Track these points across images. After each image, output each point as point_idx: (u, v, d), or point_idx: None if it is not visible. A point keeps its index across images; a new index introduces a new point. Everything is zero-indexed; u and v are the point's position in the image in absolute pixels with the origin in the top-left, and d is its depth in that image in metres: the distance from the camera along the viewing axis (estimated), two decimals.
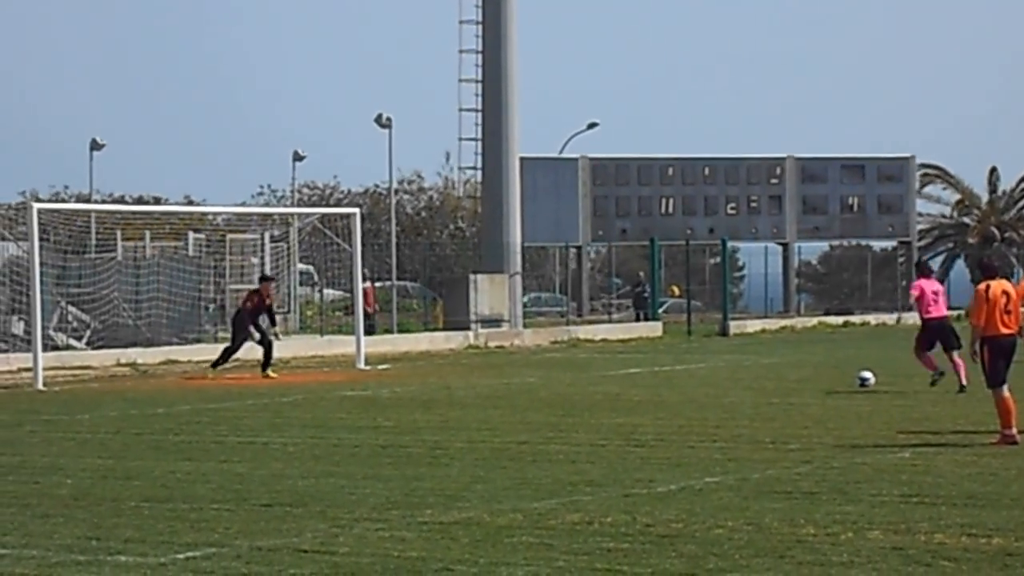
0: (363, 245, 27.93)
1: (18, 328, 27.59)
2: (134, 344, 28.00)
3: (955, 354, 18.30)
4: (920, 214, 49.65)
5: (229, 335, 24.26)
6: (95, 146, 46.70)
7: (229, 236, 35.91)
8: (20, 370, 24.04)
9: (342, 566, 8.32)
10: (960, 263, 54.38)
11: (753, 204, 43.38)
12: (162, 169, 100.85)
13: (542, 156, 42.38)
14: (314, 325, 36.02)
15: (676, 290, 43.81)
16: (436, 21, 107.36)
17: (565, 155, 46.59)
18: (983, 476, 11.32)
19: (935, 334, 18.75)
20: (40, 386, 21.92)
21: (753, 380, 21.20)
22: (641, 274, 42.11)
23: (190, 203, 57.90)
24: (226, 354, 23.52)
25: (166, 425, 16.17)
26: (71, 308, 29.31)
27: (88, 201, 48.33)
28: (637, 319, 39.78)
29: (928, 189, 54.63)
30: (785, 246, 44.35)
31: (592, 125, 52.66)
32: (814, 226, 44.20)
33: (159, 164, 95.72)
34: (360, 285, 27.53)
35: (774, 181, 43.61)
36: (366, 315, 34.13)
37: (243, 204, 55.79)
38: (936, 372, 18.52)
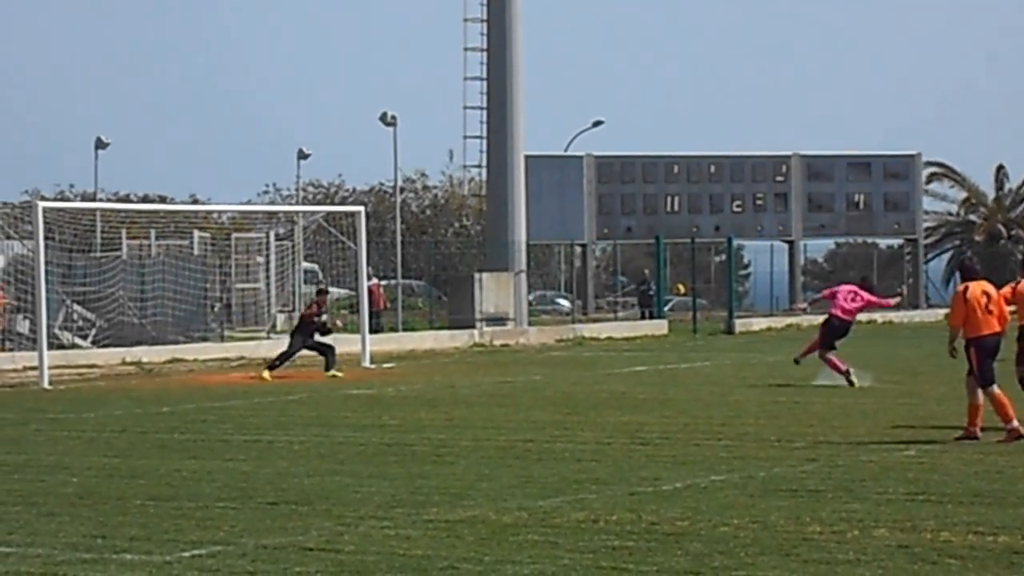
0: (368, 243, 27.92)
1: (24, 327, 27.62)
2: (139, 343, 28.02)
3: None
4: (926, 212, 49.56)
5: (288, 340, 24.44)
6: (100, 145, 46.72)
7: (234, 235, 35.95)
8: (26, 369, 24.06)
9: (347, 564, 8.32)
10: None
11: (759, 202, 43.32)
12: (167, 168, 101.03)
13: (547, 154, 42.35)
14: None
15: (681, 288, 43.75)
16: (441, 19, 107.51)
17: (570, 153, 46.55)
18: (989, 474, 11.31)
19: (837, 332, 19.87)
20: (46, 385, 21.94)
21: (758, 378, 21.17)
22: (646, 272, 42.07)
23: (195, 202, 57.95)
24: (282, 358, 23.60)
25: (171, 424, 16.18)
26: (76, 307, 29.35)
27: (93, 200, 48.38)
28: (642, 317, 39.74)
29: (934, 187, 54.55)
30: (791, 244, 44.29)
31: (597, 123, 52.65)
32: (820, 224, 44.13)
33: (164, 163, 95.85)
34: (365, 284, 27.52)
35: (780, 179, 43.54)
36: (374, 313, 34.22)
37: (248, 203, 55.86)
38: (845, 372, 19.37)
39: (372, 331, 25.80)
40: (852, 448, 12.90)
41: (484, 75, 35.39)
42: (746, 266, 54.55)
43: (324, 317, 24.09)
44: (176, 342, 28.70)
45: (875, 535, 8.88)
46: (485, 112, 35.41)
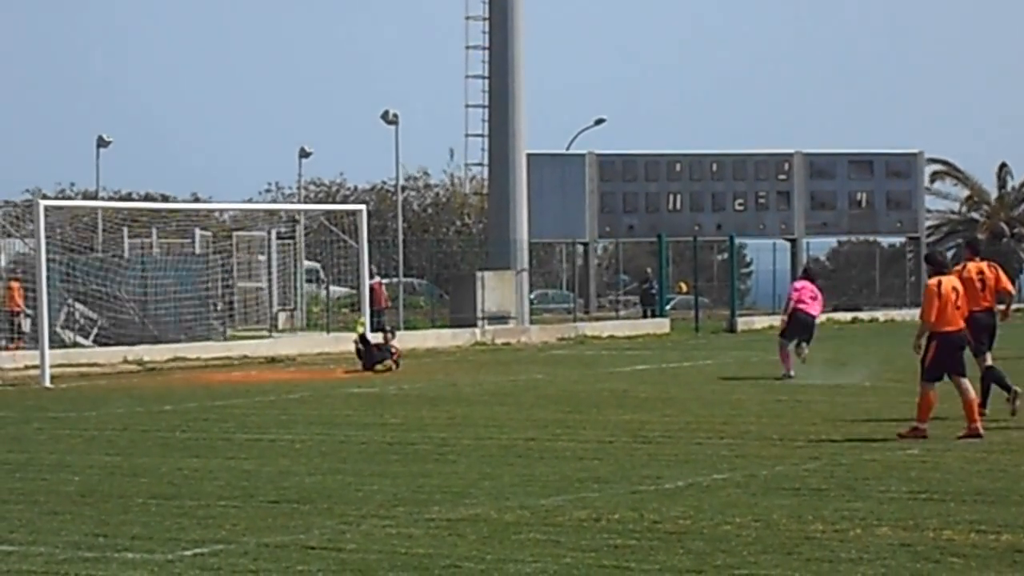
0: (369, 242, 27.93)
1: (25, 325, 27.63)
2: (141, 341, 28.03)
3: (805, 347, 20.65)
4: (929, 210, 49.54)
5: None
6: (102, 143, 46.76)
7: (236, 233, 35.96)
8: (27, 367, 24.07)
9: (349, 563, 8.31)
10: None
11: (761, 200, 43.31)
12: (169, 166, 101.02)
13: (549, 152, 42.34)
14: (320, 322, 36.04)
15: (684, 286, 43.75)
16: (442, 17, 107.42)
17: (572, 151, 46.55)
18: (992, 472, 11.29)
19: (800, 328, 20.82)
20: (47, 383, 21.95)
21: (761, 377, 21.16)
22: (648, 270, 42.06)
23: (197, 200, 57.93)
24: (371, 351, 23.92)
25: (173, 422, 16.17)
26: (78, 305, 29.35)
27: (95, 198, 48.41)
28: (644, 316, 39.74)
29: (937, 185, 54.51)
30: (793, 242, 44.27)
31: (599, 121, 52.63)
32: (822, 222, 44.12)
33: (166, 161, 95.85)
34: (367, 282, 27.52)
35: (782, 177, 43.53)
36: (376, 312, 34.23)
37: (250, 201, 55.88)
38: (788, 373, 20.35)
39: (374, 329, 25.77)
40: (854, 447, 12.88)
41: (486, 73, 35.38)
42: (748, 264, 54.53)
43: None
44: (178, 341, 28.71)
45: (878, 534, 8.87)
46: (487, 110, 35.40)
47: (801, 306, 20.89)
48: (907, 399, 17.19)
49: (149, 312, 29.61)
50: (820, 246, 50.24)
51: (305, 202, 52.55)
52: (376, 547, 8.73)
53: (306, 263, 37.24)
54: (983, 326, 14.53)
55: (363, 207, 28.95)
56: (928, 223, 48.94)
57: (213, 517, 9.82)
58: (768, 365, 23.50)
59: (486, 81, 35.39)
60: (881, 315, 41.66)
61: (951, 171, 55.43)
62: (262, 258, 34.91)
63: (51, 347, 23.26)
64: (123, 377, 23.68)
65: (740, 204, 43.07)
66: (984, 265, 14.54)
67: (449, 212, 58.80)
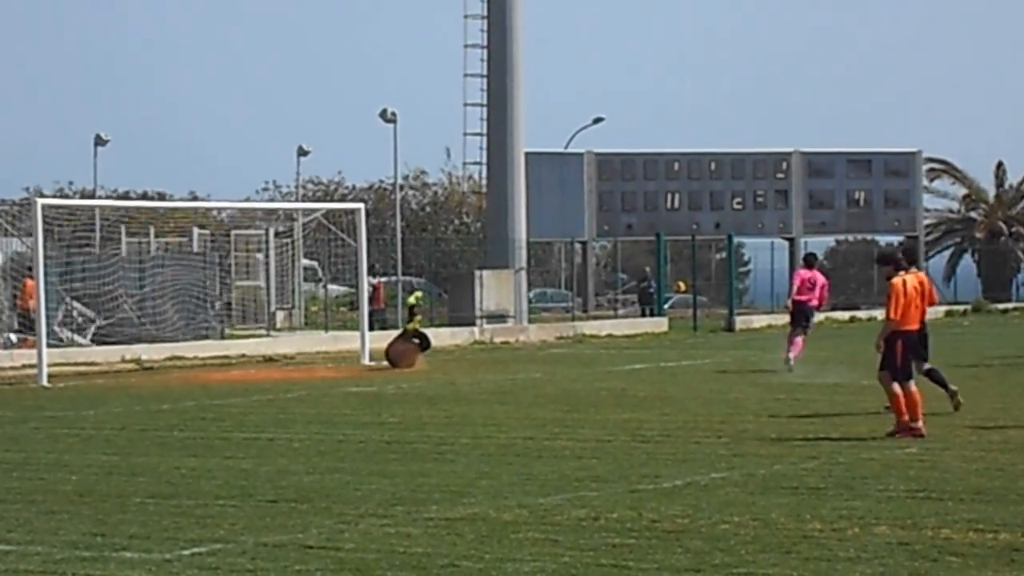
0: (368, 241, 27.90)
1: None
2: (139, 340, 28.01)
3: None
4: (927, 209, 49.54)
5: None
6: (99, 142, 46.72)
7: (234, 232, 35.94)
8: (24, 366, 24.04)
9: (347, 562, 8.30)
10: (967, 258, 54.24)
11: (759, 199, 43.30)
12: (167, 165, 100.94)
13: (547, 151, 42.32)
14: (318, 321, 36.03)
15: (682, 285, 43.73)
16: (441, 16, 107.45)
17: (570, 150, 46.54)
18: (990, 472, 11.29)
19: (797, 316, 21.74)
20: (45, 382, 21.92)
21: (759, 375, 21.15)
22: (647, 269, 42.05)
23: (195, 199, 57.90)
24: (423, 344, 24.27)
25: (171, 421, 16.16)
26: (76, 304, 29.33)
27: (93, 197, 48.37)
28: (643, 314, 39.73)
29: (935, 184, 54.50)
30: (791, 241, 44.25)
31: (597, 120, 52.61)
32: (820, 221, 44.11)
33: (164, 160, 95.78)
34: (365, 281, 27.51)
35: (780, 176, 43.52)
36: (377, 311, 34.27)
37: (247, 200, 55.84)
38: (787, 359, 21.12)
39: (374, 329, 25.81)
40: (853, 445, 12.88)
41: (484, 72, 35.37)
42: (746, 263, 54.50)
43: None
44: (175, 339, 28.69)
45: (876, 532, 8.87)
46: (485, 109, 35.39)
47: (797, 296, 21.74)
48: None
49: (147, 311, 29.59)
50: (818, 245, 50.10)
51: (303, 201, 52.53)
52: (374, 546, 8.72)
53: (304, 262, 37.23)
54: (921, 335, 14.54)
55: (361, 206, 28.93)
56: (926, 222, 48.93)
57: (211, 516, 9.81)
58: (766, 364, 23.48)
59: (485, 80, 35.38)
60: (879, 314, 41.62)
61: (949, 170, 55.41)
62: (260, 257, 34.89)
63: (48, 346, 23.24)
64: (121, 376, 23.66)
65: (738, 203, 43.06)
66: (922, 276, 14.65)
67: (448, 211, 58.80)
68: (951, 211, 55.92)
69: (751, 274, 53.46)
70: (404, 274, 39.08)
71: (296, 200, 52.27)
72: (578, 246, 44.10)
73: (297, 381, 21.81)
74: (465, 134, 36.27)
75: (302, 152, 50.43)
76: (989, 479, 10.92)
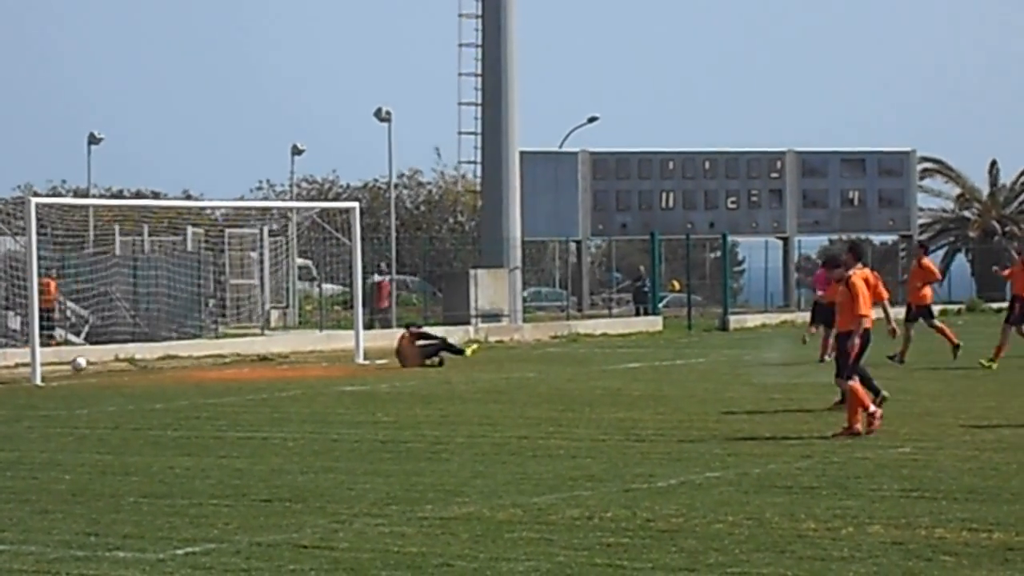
0: (362, 239, 27.89)
1: (15, 323, 27.56)
2: (132, 339, 27.98)
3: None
4: (921, 208, 49.61)
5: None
6: (93, 140, 46.66)
7: (228, 231, 35.91)
8: (18, 365, 24.01)
9: (342, 562, 8.29)
10: (961, 257, 54.32)
11: (753, 198, 43.33)
12: (160, 163, 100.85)
13: (542, 150, 42.31)
14: (313, 320, 36.01)
15: (676, 284, 43.75)
16: (435, 15, 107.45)
17: (565, 149, 46.54)
18: (984, 471, 11.30)
19: (817, 313, 22.20)
20: (38, 381, 21.90)
21: (752, 375, 21.17)
22: (641, 268, 42.06)
23: (188, 198, 57.91)
24: (449, 350, 24.57)
25: (164, 420, 16.14)
26: (69, 303, 29.30)
27: (86, 196, 48.31)
28: (637, 314, 39.74)
29: (928, 183, 54.56)
30: (785, 240, 44.30)
31: (592, 119, 52.63)
32: (814, 220, 44.14)
33: (157, 158, 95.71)
34: (359, 280, 27.48)
35: (774, 175, 43.55)
36: (382, 309, 34.30)
37: (242, 198, 55.82)
38: (821, 358, 21.22)
39: (380, 327, 25.86)
40: (846, 445, 12.89)
41: (479, 71, 35.36)
42: (741, 262, 54.60)
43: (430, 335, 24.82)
44: (169, 338, 28.66)
45: (870, 532, 8.88)
46: (480, 108, 35.39)
47: (816, 294, 22.66)
48: (901, 397, 17.22)
49: (141, 310, 29.56)
50: (812, 244, 50.32)
51: (298, 199, 52.50)
52: (369, 546, 8.71)
53: (299, 260, 37.21)
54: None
55: (356, 204, 28.91)
56: (920, 221, 49.01)
57: (205, 516, 9.80)
58: (761, 363, 23.50)
59: (479, 79, 35.37)
60: (873, 313, 41.69)
61: (943, 169, 55.49)
62: (254, 255, 34.86)
63: (42, 345, 23.20)
64: (114, 375, 23.63)
65: (733, 202, 43.08)
66: (868, 273, 14.70)
67: (442, 210, 58.82)
68: (945, 210, 56.00)
69: (745, 273, 53.55)
70: (399, 273, 39.08)
71: (290, 199, 52.23)
72: (573, 245, 44.11)
73: (291, 380, 21.80)
74: (459, 133, 36.28)
75: (296, 151, 50.33)
76: (983, 478, 10.93)
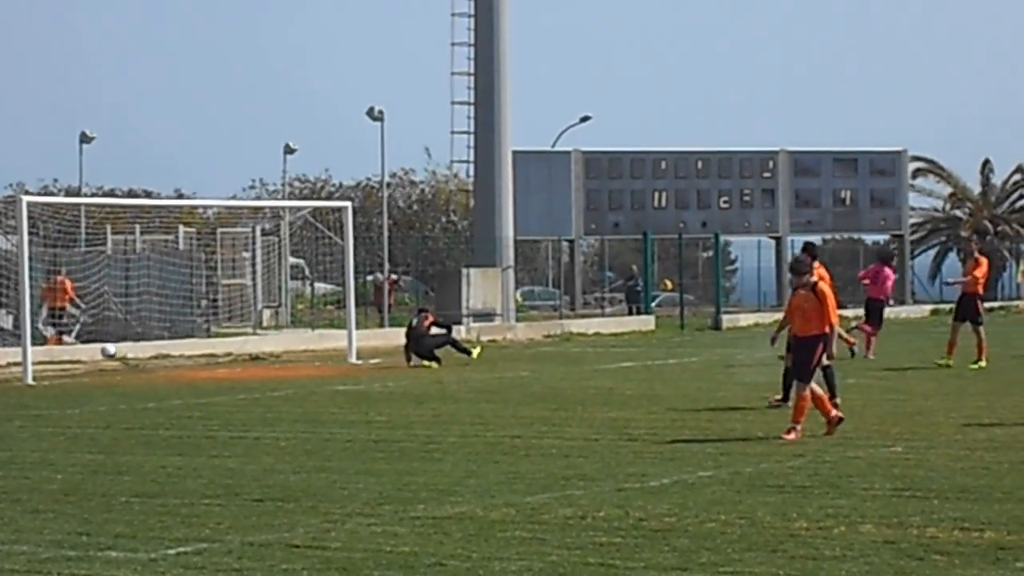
0: (355, 239, 27.87)
1: (7, 322, 27.51)
2: (124, 338, 27.94)
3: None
4: (912, 208, 49.69)
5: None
6: (85, 139, 46.60)
7: (220, 230, 35.86)
8: (9, 364, 23.97)
9: (334, 561, 8.29)
10: (952, 256, 54.40)
11: (746, 198, 43.38)
12: (153, 162, 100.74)
13: (535, 150, 42.35)
14: (305, 319, 35.98)
15: (669, 284, 43.79)
16: (428, 15, 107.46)
17: (558, 148, 46.56)
18: (975, 470, 11.32)
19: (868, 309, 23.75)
20: (29, 380, 21.87)
21: (746, 374, 21.19)
22: (634, 268, 42.08)
23: (180, 197, 57.80)
24: (456, 346, 24.53)
25: (156, 420, 16.13)
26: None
27: (78, 194, 48.23)
28: (630, 313, 39.77)
29: (920, 182, 54.63)
30: (778, 240, 44.34)
31: (585, 119, 52.65)
32: (807, 220, 44.20)
33: (149, 157, 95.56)
34: (352, 279, 27.47)
35: (767, 175, 43.61)
36: (385, 308, 34.35)
37: (234, 198, 55.76)
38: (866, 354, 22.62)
39: (379, 326, 25.89)
40: (838, 444, 12.91)
41: (472, 70, 35.36)
42: (733, 262, 54.64)
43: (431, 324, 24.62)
44: (161, 338, 28.62)
45: (861, 531, 8.89)
46: (472, 107, 35.39)
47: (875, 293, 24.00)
48: (893, 396, 17.26)
49: (132, 309, 29.52)
50: None
51: (290, 199, 52.44)
52: (361, 545, 8.71)
53: (291, 260, 37.17)
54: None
55: (348, 204, 28.89)
56: (912, 221, 49.07)
57: (197, 515, 9.79)
58: (753, 362, 23.54)
59: (472, 78, 35.37)
60: (862, 312, 41.77)
61: (934, 168, 55.56)
62: (246, 255, 34.83)
63: (33, 344, 23.16)
64: (106, 374, 23.60)
65: (725, 202, 43.12)
66: (824, 271, 14.75)
67: (435, 209, 58.80)
68: (936, 210, 56.08)
69: (738, 272, 53.59)
70: (391, 272, 39.08)
71: (283, 198, 52.18)
72: (565, 244, 44.12)
73: (283, 379, 21.78)
74: (452, 132, 36.29)
75: (289, 150, 50.33)
76: (974, 477, 10.95)
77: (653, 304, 39.63)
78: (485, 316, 33.52)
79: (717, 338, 32.88)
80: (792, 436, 13.07)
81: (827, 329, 13.44)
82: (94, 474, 11.91)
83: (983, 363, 21.21)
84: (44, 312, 28.22)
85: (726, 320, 37.20)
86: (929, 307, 42.83)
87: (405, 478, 11.31)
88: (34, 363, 22.56)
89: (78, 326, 29.00)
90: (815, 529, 8.96)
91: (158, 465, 12.30)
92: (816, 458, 12.08)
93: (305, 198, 56.09)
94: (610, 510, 9.70)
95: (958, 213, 55.86)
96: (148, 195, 58.94)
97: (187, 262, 30.93)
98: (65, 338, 28.50)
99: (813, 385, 13.39)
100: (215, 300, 32.65)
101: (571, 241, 43.53)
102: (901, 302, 43.38)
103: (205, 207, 50.43)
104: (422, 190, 60.32)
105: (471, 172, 36.25)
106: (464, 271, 34.22)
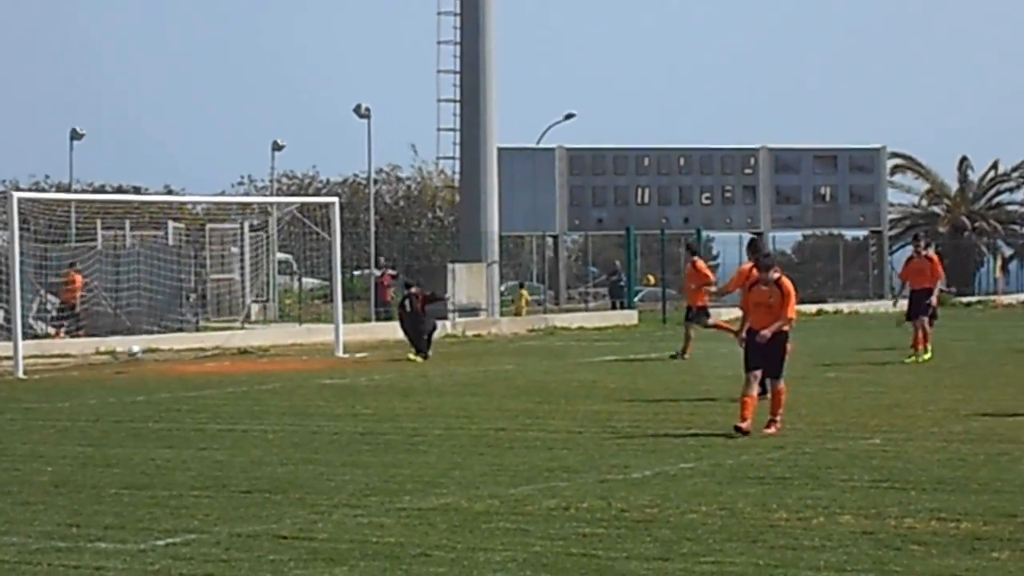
0: (342, 234, 27.96)
1: None
2: (114, 333, 27.98)
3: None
4: (891, 204, 49.88)
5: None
6: (75, 135, 46.54)
7: (209, 225, 35.90)
8: (0, 358, 24.01)
9: (321, 552, 8.39)
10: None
11: (727, 194, 43.52)
12: (142, 159, 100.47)
13: (520, 146, 42.42)
14: (293, 313, 36.03)
15: (651, 279, 43.93)
16: (414, 12, 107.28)
17: (542, 145, 46.65)
18: (952, 462, 11.45)
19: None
20: (20, 374, 21.92)
21: (727, 368, 21.35)
22: (617, 263, 42.21)
23: (170, 192, 57.75)
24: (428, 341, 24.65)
25: (146, 413, 16.20)
26: (51, 297, 29.28)
27: (68, 190, 48.18)
28: (613, 307, 39.89)
29: (898, 178, 54.84)
30: (759, 235, 44.45)
31: (569, 116, 52.76)
32: (787, 216, 44.38)
33: (139, 154, 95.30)
34: (339, 274, 27.55)
35: (748, 171, 43.76)
36: (384, 304, 34.37)
37: (222, 194, 55.72)
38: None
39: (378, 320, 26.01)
40: (818, 436, 13.04)
41: (457, 68, 35.43)
42: (715, 257, 54.79)
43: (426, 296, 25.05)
44: (151, 332, 28.67)
45: (840, 521, 9.01)
46: (458, 105, 35.46)
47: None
48: (871, 389, 17.44)
49: (122, 303, 29.55)
50: (786, 239, 50.59)
51: (278, 195, 52.42)
52: (347, 536, 8.81)
53: (279, 255, 37.21)
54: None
55: (336, 200, 28.97)
56: (890, 217, 49.26)
57: (185, 507, 9.88)
58: (735, 355, 23.71)
59: (457, 76, 35.44)
60: (845, 307, 42.00)
61: (912, 165, 55.75)
62: (235, 250, 34.87)
63: (24, 338, 23.21)
64: (96, 368, 23.65)
65: (707, 198, 43.26)
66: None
67: (421, 205, 58.84)
68: (914, 206, 56.28)
69: (719, 268, 53.71)
70: (376, 268, 39.13)
71: (271, 194, 52.16)
72: (549, 240, 44.21)
73: (271, 373, 21.86)
74: (438, 129, 36.34)
75: (277, 147, 50.40)
76: (951, 469, 11.08)
77: (636, 299, 39.77)
78: (470, 311, 33.62)
79: (699, 332, 33.00)
80: (773, 429, 13.23)
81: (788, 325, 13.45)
82: (84, 466, 11.99)
83: (927, 356, 21.06)
84: (35, 307, 28.25)
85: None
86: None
87: (391, 470, 11.42)
88: (25, 357, 22.61)
89: (68, 320, 29.04)
90: (795, 520, 9.07)
91: (147, 457, 12.38)
92: (796, 450, 12.22)
93: (293, 194, 56.07)
94: (593, 501, 9.81)
95: (936, 209, 56.07)
96: (138, 191, 58.88)
97: (176, 257, 30.96)
98: (52, 331, 28.52)
99: (757, 386, 13.30)
100: (204, 295, 32.70)
101: (555, 237, 43.62)
102: (880, 297, 43.61)
103: (194, 203, 50.39)
104: (408, 186, 60.35)
105: (457, 168, 36.34)
106: (449, 266, 34.31)
